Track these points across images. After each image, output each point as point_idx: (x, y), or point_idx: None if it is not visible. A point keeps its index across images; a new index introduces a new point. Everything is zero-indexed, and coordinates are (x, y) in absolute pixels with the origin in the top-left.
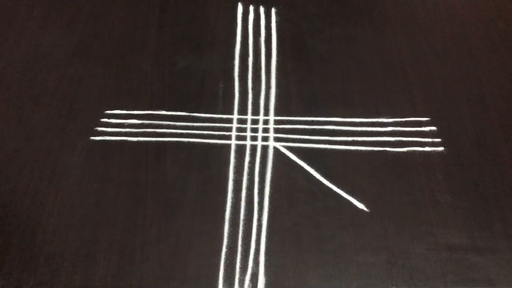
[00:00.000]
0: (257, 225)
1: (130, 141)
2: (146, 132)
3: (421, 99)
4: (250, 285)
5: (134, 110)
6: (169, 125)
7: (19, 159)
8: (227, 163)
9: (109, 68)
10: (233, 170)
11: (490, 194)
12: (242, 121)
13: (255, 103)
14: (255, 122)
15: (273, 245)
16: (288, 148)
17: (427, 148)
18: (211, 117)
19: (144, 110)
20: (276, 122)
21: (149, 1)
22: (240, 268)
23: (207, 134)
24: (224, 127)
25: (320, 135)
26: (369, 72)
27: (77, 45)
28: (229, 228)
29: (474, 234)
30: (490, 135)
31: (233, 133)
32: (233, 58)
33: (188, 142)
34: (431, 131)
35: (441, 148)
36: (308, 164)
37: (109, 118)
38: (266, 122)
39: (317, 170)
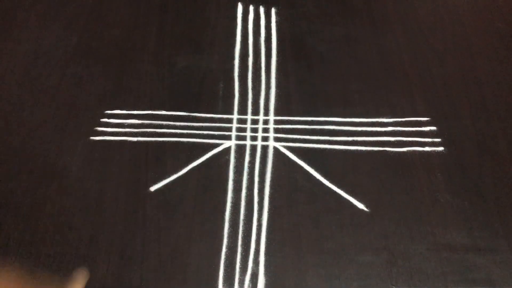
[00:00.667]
0: (257, 225)
1: (130, 141)
2: (146, 132)
3: (421, 99)
4: (250, 285)
5: (134, 110)
6: (169, 125)
7: (19, 159)
8: (227, 163)
9: (109, 68)
10: (233, 170)
11: (490, 194)
12: (242, 121)
13: (255, 103)
14: (255, 122)
15: (273, 245)
16: (288, 148)
17: (427, 148)
18: (211, 117)
19: (144, 110)
20: (276, 122)
21: (149, 1)
22: (240, 268)
23: (207, 134)
24: (224, 127)
25: (320, 135)
26: (369, 72)
27: (77, 45)
28: (229, 228)
29: (474, 234)
30: (490, 135)
31: (233, 133)
32: (233, 58)
33: (188, 142)
34: (431, 131)
35: (441, 148)
36: (308, 164)
37: (109, 118)
38: (266, 122)
39: (317, 170)
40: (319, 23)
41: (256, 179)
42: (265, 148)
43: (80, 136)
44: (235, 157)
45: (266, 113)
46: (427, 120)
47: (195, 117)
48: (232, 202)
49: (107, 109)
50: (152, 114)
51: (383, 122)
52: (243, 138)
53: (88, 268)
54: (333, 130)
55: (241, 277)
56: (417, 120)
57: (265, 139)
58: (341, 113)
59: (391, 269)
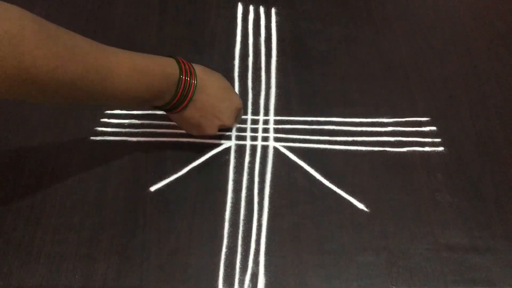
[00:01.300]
0: (257, 225)
1: (130, 141)
2: (146, 132)
3: (421, 99)
4: (250, 285)
5: (134, 110)
6: (169, 125)
7: (19, 159)
8: (227, 163)
9: None
10: (233, 170)
11: (490, 194)
12: (242, 121)
13: (255, 103)
14: (255, 122)
15: (273, 245)
16: (288, 148)
17: (427, 148)
18: None
19: (144, 110)
20: (276, 122)
21: (149, 1)
22: (240, 268)
23: None
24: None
25: (320, 135)
26: (369, 72)
27: None
28: (229, 228)
29: (474, 234)
30: (490, 135)
31: (233, 133)
32: (233, 58)
33: (188, 142)
34: (431, 131)
35: (441, 148)
36: (308, 164)
37: (109, 118)
38: (266, 122)
39: (317, 170)
40: (319, 23)
41: (256, 179)
42: (265, 148)
43: (80, 136)
44: (235, 157)
45: (266, 113)
46: (427, 120)
47: None
48: (232, 202)
49: (107, 109)
50: (152, 114)
51: (383, 122)
52: (243, 138)
53: (88, 268)
54: (333, 130)
55: (241, 277)
56: (417, 120)
57: (265, 139)
58: (341, 113)
59: (391, 269)
